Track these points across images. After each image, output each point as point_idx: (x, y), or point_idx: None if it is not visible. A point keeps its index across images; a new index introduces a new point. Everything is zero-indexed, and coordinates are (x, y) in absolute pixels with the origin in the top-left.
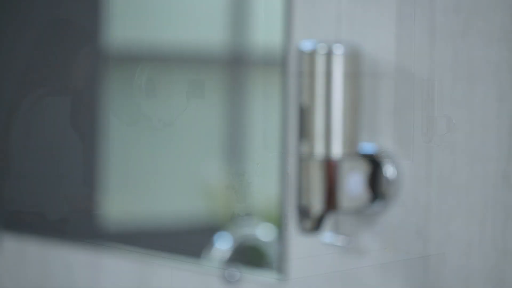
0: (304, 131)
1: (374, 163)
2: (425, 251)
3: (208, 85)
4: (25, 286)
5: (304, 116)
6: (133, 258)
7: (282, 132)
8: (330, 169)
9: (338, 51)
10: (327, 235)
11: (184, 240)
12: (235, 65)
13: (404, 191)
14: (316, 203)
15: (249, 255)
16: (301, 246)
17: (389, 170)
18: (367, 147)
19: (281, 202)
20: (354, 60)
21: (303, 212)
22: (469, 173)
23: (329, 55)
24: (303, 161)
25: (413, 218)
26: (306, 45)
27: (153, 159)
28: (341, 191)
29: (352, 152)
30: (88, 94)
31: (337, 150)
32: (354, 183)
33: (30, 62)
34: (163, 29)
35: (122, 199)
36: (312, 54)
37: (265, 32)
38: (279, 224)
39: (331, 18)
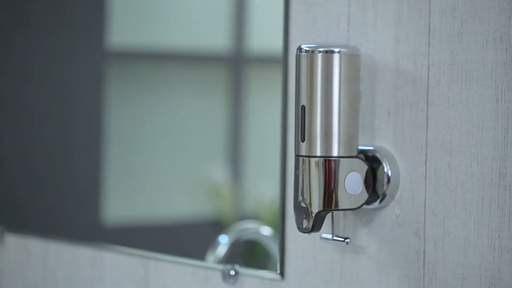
0: (304, 131)
1: (372, 162)
2: (422, 249)
3: (209, 86)
4: (28, 283)
5: (304, 116)
6: (136, 256)
7: (282, 132)
8: (329, 169)
9: (337, 52)
10: (325, 234)
11: (185, 239)
12: (235, 65)
13: (401, 190)
14: (315, 202)
15: (249, 253)
16: (300, 245)
17: (386, 169)
18: (365, 146)
19: (280, 202)
20: (352, 61)
21: (302, 211)
22: (465, 172)
23: (328, 56)
24: (302, 160)
25: (410, 216)
26: (306, 46)
27: (155, 159)
28: (340, 190)
29: (351, 151)
30: (90, 94)
31: (335, 149)
32: (352, 182)
33: (31, 61)
34: (165, 30)
35: (125, 198)
36: (311, 55)
37: (265, 33)
38: (279, 223)
39: (330, 20)
